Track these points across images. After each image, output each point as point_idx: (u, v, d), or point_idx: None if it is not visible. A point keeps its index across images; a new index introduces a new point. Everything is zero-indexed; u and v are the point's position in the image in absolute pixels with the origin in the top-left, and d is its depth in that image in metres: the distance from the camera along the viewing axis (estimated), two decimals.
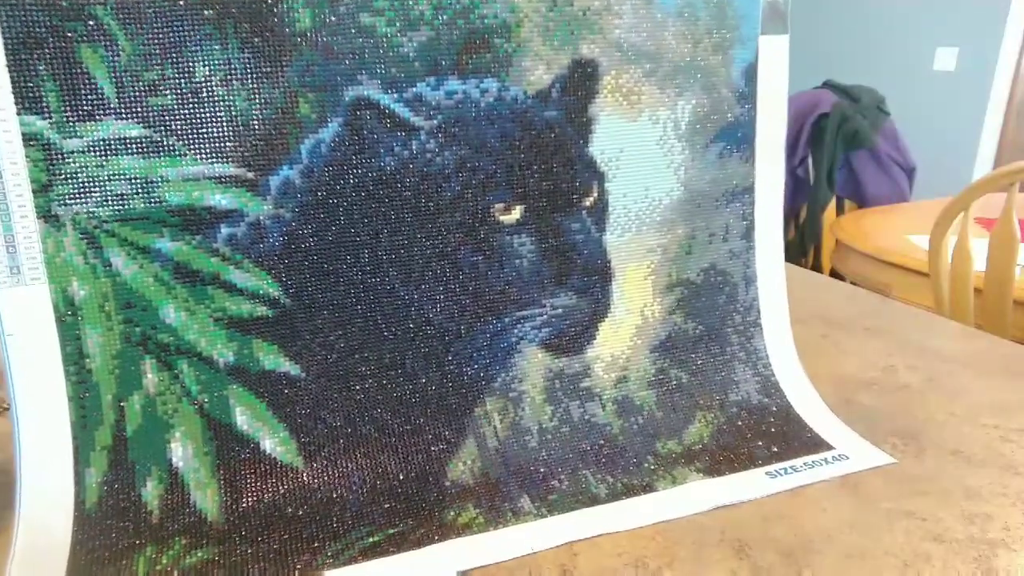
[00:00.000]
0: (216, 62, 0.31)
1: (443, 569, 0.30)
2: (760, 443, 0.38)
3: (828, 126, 1.93)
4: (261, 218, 0.33)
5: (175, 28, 0.30)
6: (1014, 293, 1.06)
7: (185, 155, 0.32)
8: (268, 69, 0.32)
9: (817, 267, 2.03)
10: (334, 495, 0.34)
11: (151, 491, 0.32)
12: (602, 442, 0.37)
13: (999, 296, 1.07)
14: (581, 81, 0.36)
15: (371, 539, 0.32)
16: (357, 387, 0.35)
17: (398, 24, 0.33)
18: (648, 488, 0.35)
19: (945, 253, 1.13)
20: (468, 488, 0.34)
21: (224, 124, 0.32)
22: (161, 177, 0.32)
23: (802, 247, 2.04)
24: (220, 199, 0.32)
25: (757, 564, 0.30)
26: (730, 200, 0.41)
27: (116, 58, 0.30)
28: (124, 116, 0.31)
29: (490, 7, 0.34)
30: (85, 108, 0.30)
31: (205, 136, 0.32)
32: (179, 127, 0.31)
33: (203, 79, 0.31)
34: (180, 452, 0.33)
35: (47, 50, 0.29)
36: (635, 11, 0.36)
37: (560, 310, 0.38)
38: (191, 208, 0.32)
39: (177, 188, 0.32)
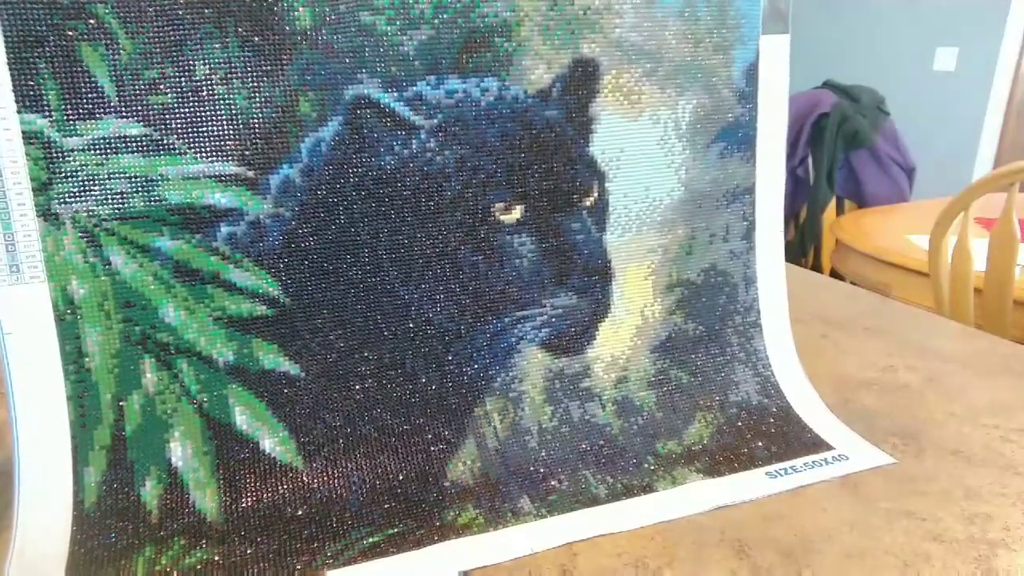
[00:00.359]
0: (216, 60, 0.31)
1: (443, 569, 0.30)
2: (760, 443, 0.38)
3: (828, 126, 1.93)
4: (261, 217, 0.33)
5: (175, 27, 0.30)
6: (1014, 293, 1.06)
7: (185, 153, 0.32)
8: (268, 67, 0.32)
9: (817, 267, 2.03)
10: (334, 495, 0.33)
11: (150, 491, 0.32)
12: (602, 442, 0.37)
13: (999, 296, 1.07)
14: (582, 80, 0.36)
15: (371, 539, 0.31)
16: (357, 387, 0.35)
17: (398, 23, 0.32)
18: (648, 488, 0.35)
19: (945, 253, 1.13)
20: (468, 488, 0.34)
21: (224, 123, 0.32)
22: (161, 176, 0.32)
23: (802, 247, 2.04)
24: (220, 198, 0.32)
25: (757, 564, 0.30)
26: (731, 200, 0.41)
27: (116, 57, 0.30)
28: (124, 114, 0.31)
29: (490, 6, 0.34)
30: (85, 106, 0.30)
31: (205, 135, 0.32)
32: (179, 126, 0.31)
33: (203, 77, 0.31)
34: (179, 452, 0.33)
35: (48, 48, 0.29)
36: (636, 10, 0.36)
37: (560, 310, 0.38)
38: (191, 207, 0.32)
39: (177, 187, 0.32)
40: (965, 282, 1.11)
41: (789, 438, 0.38)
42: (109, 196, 0.31)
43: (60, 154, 0.30)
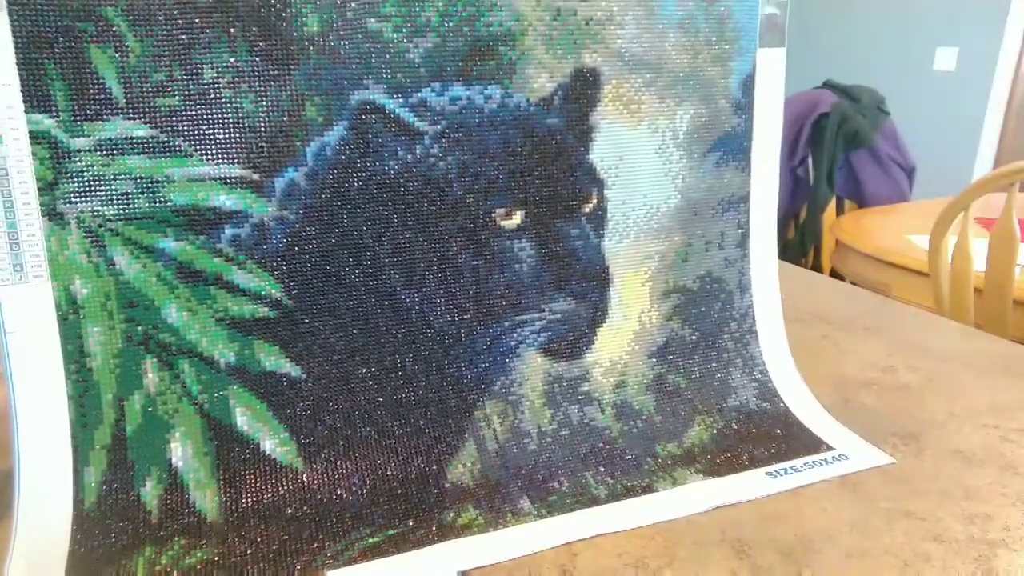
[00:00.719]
0: (224, 64, 0.31)
1: (442, 570, 0.30)
2: (760, 444, 0.38)
3: (828, 126, 1.93)
4: (265, 219, 0.33)
5: (184, 30, 0.31)
6: (1014, 293, 1.05)
7: (191, 156, 0.32)
8: (275, 72, 0.32)
9: (817, 267, 2.04)
10: (334, 496, 0.34)
11: (150, 491, 0.32)
12: (601, 445, 0.37)
13: (999, 296, 1.06)
14: (583, 90, 0.37)
15: (371, 540, 0.32)
16: (358, 389, 0.35)
17: (405, 30, 0.33)
18: (648, 489, 0.35)
19: (945, 253, 1.13)
20: (468, 489, 0.35)
21: (231, 126, 0.32)
22: (166, 177, 0.32)
23: (802, 247, 2.04)
24: (225, 200, 0.32)
25: (757, 564, 0.30)
26: (726, 209, 0.42)
27: (125, 59, 0.30)
28: (131, 116, 0.31)
29: (496, 15, 0.34)
30: (93, 107, 0.30)
31: (211, 137, 0.32)
32: (186, 128, 0.31)
33: (211, 81, 0.31)
34: (180, 452, 0.33)
35: (57, 50, 0.30)
36: (637, 22, 0.37)
37: (559, 315, 0.38)
38: (196, 208, 0.32)
39: (182, 188, 0.32)
40: (965, 282, 1.10)
41: (788, 439, 0.39)
42: (114, 197, 0.31)
43: (67, 154, 0.30)
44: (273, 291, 0.34)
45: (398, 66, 0.33)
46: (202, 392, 0.33)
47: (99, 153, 0.31)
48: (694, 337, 0.41)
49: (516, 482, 0.35)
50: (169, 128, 0.31)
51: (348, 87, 0.33)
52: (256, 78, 0.32)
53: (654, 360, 0.41)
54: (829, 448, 0.38)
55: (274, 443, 0.34)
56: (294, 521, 0.32)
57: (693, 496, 0.34)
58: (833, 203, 2.01)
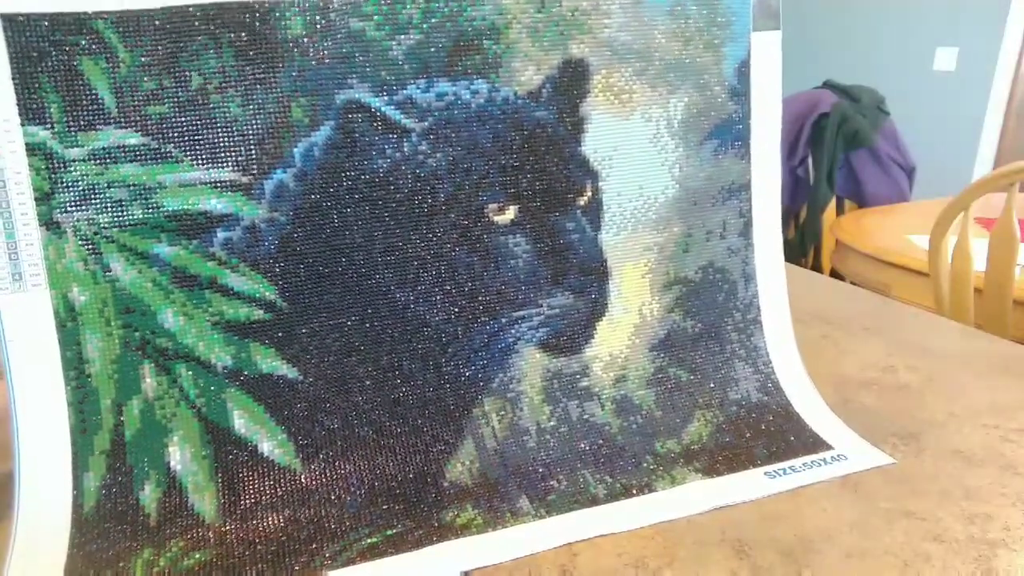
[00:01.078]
0: (211, 70, 0.32)
1: (442, 570, 0.30)
2: (759, 443, 0.37)
3: (828, 126, 1.92)
4: (256, 222, 0.33)
5: (172, 39, 0.31)
6: (1014, 293, 1.05)
7: (182, 161, 0.32)
8: (261, 75, 0.32)
9: (817, 267, 2.01)
10: (332, 497, 0.33)
11: (149, 494, 0.32)
12: (601, 442, 0.37)
13: (999, 296, 1.06)
14: (572, 81, 0.36)
15: (370, 540, 0.31)
16: (355, 389, 0.35)
17: (387, 28, 0.33)
18: (647, 488, 0.34)
19: (945, 253, 1.13)
20: (467, 489, 0.34)
21: (219, 130, 0.32)
22: (159, 183, 0.32)
23: (802, 247, 2.03)
24: (216, 203, 0.33)
25: (757, 564, 0.29)
26: (727, 197, 0.41)
27: (116, 69, 0.31)
28: (124, 125, 0.31)
29: (478, 10, 0.34)
30: (86, 118, 0.31)
31: (201, 142, 0.32)
32: (176, 134, 0.32)
33: (199, 87, 0.32)
34: (178, 456, 0.33)
35: (50, 63, 0.30)
36: (624, 10, 0.37)
37: (557, 310, 0.38)
38: (187, 213, 0.33)
39: (174, 194, 0.32)
40: (965, 282, 1.10)
41: (788, 437, 0.38)
42: (109, 204, 0.32)
43: (62, 164, 0.31)
44: (267, 293, 0.34)
45: (382, 64, 0.33)
46: (200, 395, 0.34)
47: (93, 162, 0.31)
48: (696, 329, 0.40)
49: (515, 481, 0.34)
50: (160, 135, 0.32)
51: (333, 87, 0.33)
52: (242, 82, 0.32)
53: (655, 353, 0.40)
54: (829, 448, 0.37)
55: (272, 445, 0.34)
56: (292, 522, 0.32)
57: (692, 496, 0.33)
58: (833, 203, 2.00)
